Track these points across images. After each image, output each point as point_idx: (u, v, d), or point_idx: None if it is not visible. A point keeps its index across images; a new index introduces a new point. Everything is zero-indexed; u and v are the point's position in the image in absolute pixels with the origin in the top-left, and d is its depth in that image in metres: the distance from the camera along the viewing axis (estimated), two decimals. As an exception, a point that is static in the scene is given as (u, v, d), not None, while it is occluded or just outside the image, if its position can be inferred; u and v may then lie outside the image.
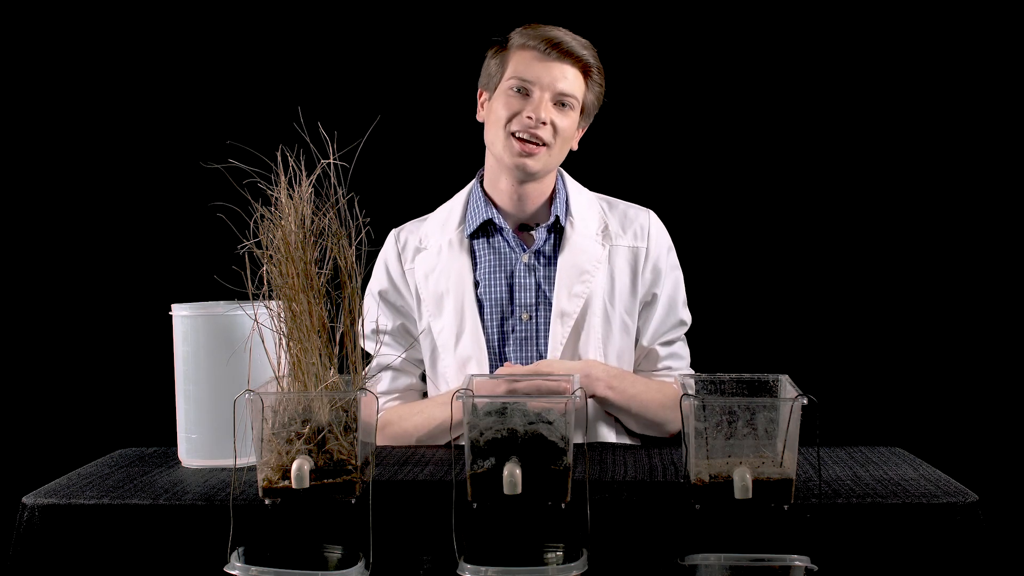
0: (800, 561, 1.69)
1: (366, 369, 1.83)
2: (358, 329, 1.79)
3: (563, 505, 1.72)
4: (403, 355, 2.39)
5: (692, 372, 2.40)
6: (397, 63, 3.21)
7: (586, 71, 2.31)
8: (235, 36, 3.20)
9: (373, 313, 2.40)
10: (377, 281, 2.43)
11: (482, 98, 2.38)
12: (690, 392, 1.76)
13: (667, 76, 3.20)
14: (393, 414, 2.34)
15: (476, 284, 2.35)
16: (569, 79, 2.29)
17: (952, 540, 1.73)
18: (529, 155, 2.27)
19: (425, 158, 3.18)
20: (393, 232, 2.47)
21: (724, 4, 3.17)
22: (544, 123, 2.26)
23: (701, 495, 1.70)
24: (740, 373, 1.86)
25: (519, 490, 1.67)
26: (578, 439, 1.99)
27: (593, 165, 2.54)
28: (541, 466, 1.70)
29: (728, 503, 1.69)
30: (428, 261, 2.39)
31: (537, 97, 2.27)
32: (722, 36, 3.18)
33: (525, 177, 2.31)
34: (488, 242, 2.37)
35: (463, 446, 1.73)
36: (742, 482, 1.66)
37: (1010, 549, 2.86)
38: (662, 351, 2.40)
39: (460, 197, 2.44)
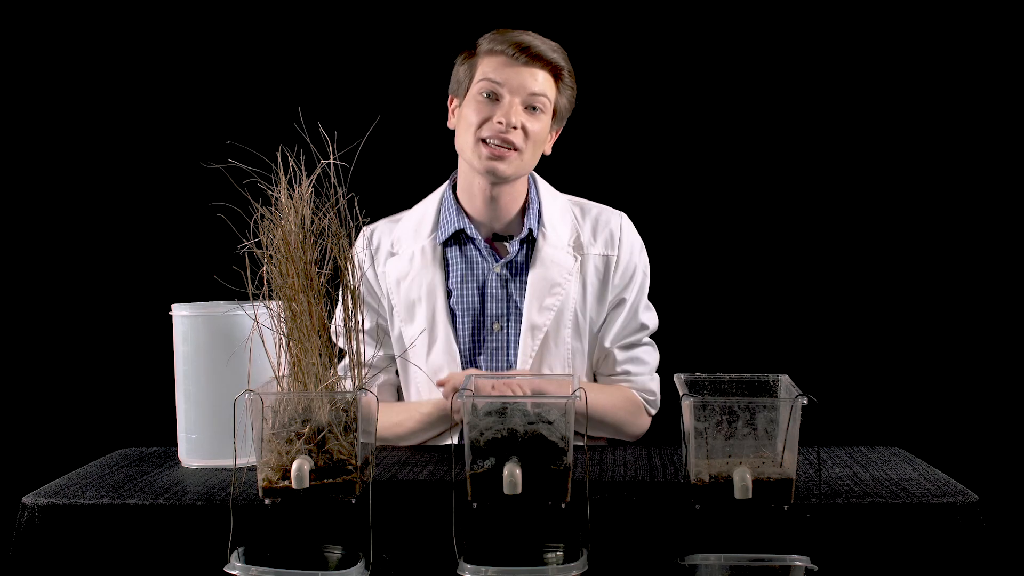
0: (800, 561, 1.69)
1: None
2: (349, 327, 1.79)
3: (563, 505, 1.72)
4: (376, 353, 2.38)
5: (655, 377, 2.41)
6: (397, 63, 3.21)
7: (556, 74, 2.29)
8: (235, 36, 3.20)
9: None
10: None
11: (452, 105, 2.37)
12: (689, 392, 1.76)
13: (662, 74, 3.20)
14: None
15: (449, 293, 2.35)
16: (540, 82, 2.27)
17: (952, 540, 1.73)
18: (499, 159, 2.26)
19: (425, 158, 3.18)
20: (365, 231, 2.44)
21: (696, 5, 3.17)
22: (515, 127, 2.25)
23: (701, 495, 1.70)
24: (740, 373, 1.86)
25: (519, 490, 1.68)
26: (578, 441, 1.99)
27: (593, 165, 2.54)
28: (541, 466, 1.70)
29: (728, 503, 1.69)
30: (400, 267, 2.37)
31: (507, 101, 2.25)
32: (698, 35, 3.18)
33: (497, 180, 2.30)
34: (461, 251, 2.35)
35: (463, 446, 1.73)
36: (742, 482, 1.66)
37: (1010, 549, 2.86)
38: (620, 355, 2.38)
39: (432, 202, 2.42)
